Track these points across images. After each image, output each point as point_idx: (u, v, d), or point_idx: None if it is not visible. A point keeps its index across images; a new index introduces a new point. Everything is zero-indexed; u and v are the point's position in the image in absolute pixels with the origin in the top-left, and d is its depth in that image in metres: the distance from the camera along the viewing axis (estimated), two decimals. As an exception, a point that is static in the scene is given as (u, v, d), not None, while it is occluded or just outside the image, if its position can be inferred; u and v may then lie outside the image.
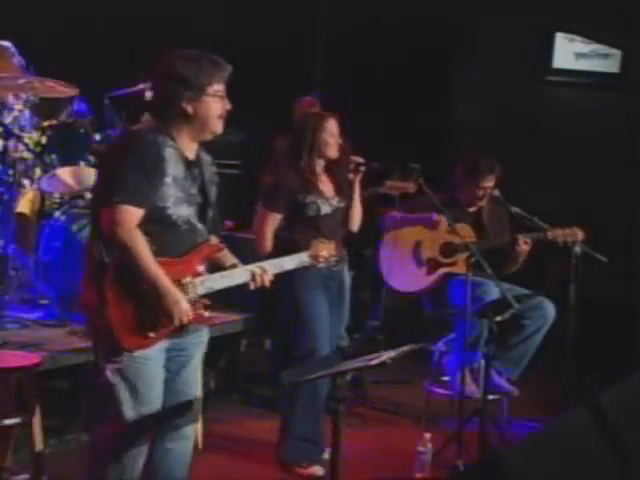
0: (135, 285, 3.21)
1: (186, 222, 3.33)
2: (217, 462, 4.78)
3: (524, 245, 5.17)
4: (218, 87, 3.35)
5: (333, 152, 4.66)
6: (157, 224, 3.25)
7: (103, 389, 3.30)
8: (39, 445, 3.92)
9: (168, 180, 3.26)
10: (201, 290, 3.35)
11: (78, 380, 4.73)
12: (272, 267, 3.50)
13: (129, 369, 3.27)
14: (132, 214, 3.18)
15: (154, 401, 3.35)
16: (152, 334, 3.27)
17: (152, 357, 3.31)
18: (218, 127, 3.39)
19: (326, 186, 4.70)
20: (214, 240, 3.50)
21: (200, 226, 3.38)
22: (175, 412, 3.46)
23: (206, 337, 3.59)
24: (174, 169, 3.28)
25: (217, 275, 3.39)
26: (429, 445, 4.58)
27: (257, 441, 5.05)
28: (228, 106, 3.39)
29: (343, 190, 4.73)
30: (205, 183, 3.41)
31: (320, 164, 4.67)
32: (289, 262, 3.62)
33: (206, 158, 3.48)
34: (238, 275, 3.43)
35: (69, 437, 4.58)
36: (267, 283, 3.47)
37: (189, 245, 3.34)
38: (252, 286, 3.46)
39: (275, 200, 4.65)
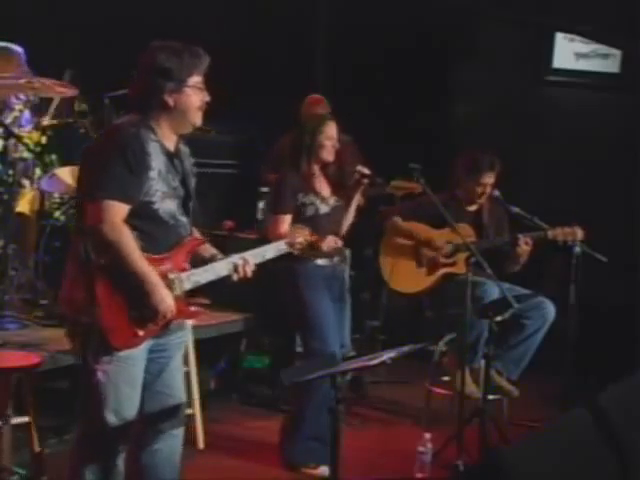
0: (124, 283, 3.19)
1: (172, 216, 3.31)
2: (217, 462, 4.78)
3: (525, 245, 5.17)
4: (198, 78, 3.35)
5: (330, 155, 4.70)
6: (144, 220, 3.23)
7: (90, 390, 3.28)
8: (39, 445, 3.92)
9: (153, 174, 3.24)
10: (187, 285, 3.34)
11: (78, 380, 4.73)
12: (254, 257, 3.49)
13: (115, 370, 3.25)
14: (118, 209, 3.15)
15: (135, 402, 3.33)
16: (141, 332, 3.25)
17: (136, 357, 3.29)
18: (198, 119, 3.39)
19: (323, 186, 4.75)
20: (195, 233, 3.50)
21: (184, 219, 3.37)
22: (158, 414, 3.43)
23: (187, 337, 3.57)
24: (158, 163, 3.26)
25: (201, 269, 3.37)
26: (429, 445, 4.58)
27: (257, 441, 5.06)
28: (207, 98, 3.38)
29: (339, 191, 4.77)
30: (186, 175, 3.39)
31: (317, 165, 4.70)
32: (269, 251, 3.61)
33: (185, 149, 3.47)
34: (221, 268, 3.41)
35: (69, 437, 4.57)
36: (249, 274, 3.44)
37: (175, 240, 3.33)
38: (235, 277, 3.44)
39: (282, 202, 4.68)
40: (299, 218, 4.63)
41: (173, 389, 3.49)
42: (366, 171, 4.75)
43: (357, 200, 4.84)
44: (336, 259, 4.75)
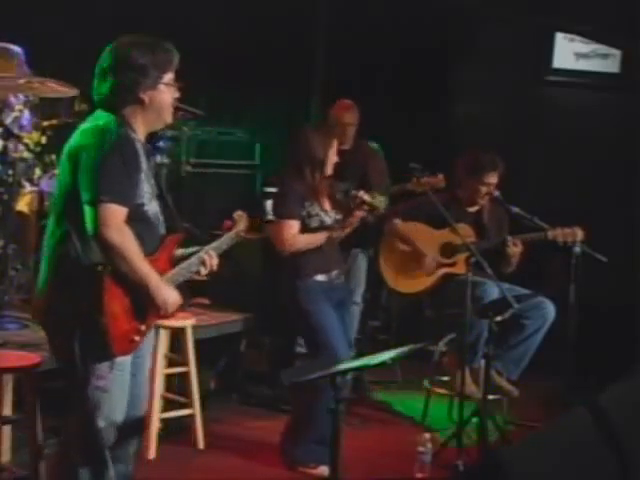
0: (128, 288, 3.17)
1: (156, 217, 3.31)
2: (217, 462, 4.78)
3: (514, 247, 5.17)
4: (171, 75, 3.32)
5: (332, 169, 4.72)
6: (136, 222, 3.19)
7: (84, 398, 3.24)
8: (39, 445, 3.92)
9: (142, 175, 3.22)
10: (171, 285, 3.34)
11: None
12: (215, 250, 3.50)
13: (110, 378, 3.21)
14: (120, 213, 3.12)
15: (124, 406, 3.30)
16: (137, 337, 3.25)
17: (127, 363, 3.27)
18: (170, 116, 3.37)
19: (325, 199, 4.77)
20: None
21: (162, 218, 3.36)
22: (136, 416, 3.43)
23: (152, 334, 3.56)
24: (143, 163, 3.24)
25: (178, 268, 3.38)
26: (429, 445, 4.58)
27: (257, 441, 5.06)
28: (177, 94, 3.35)
29: (339, 205, 4.80)
30: (154, 173, 3.39)
31: (320, 178, 4.72)
32: (224, 243, 3.61)
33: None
34: (193, 264, 3.42)
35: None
36: (215, 267, 3.45)
37: (159, 240, 3.32)
38: (203, 271, 3.44)
39: (288, 208, 4.68)
40: (304, 229, 4.67)
41: (143, 389, 3.48)
42: (366, 197, 4.76)
43: (354, 223, 4.82)
44: (334, 273, 4.75)
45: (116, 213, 3.11)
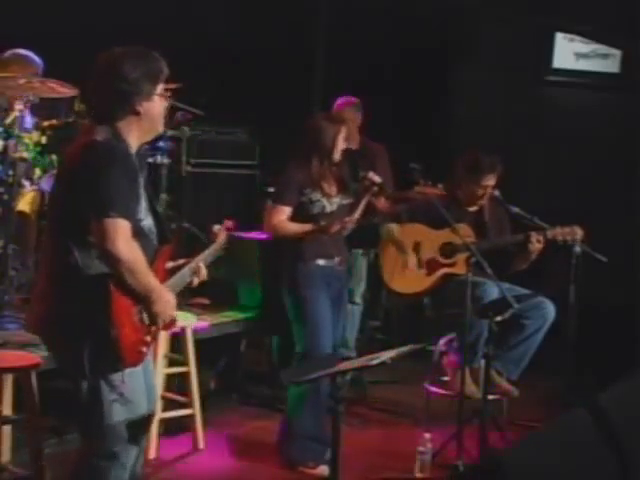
0: (132, 300, 3.17)
1: (151, 230, 3.30)
2: (217, 462, 4.78)
3: (537, 243, 5.16)
4: (162, 85, 3.32)
5: (339, 156, 4.76)
6: (135, 236, 3.16)
7: (97, 407, 3.19)
8: (39, 445, 3.92)
9: (141, 191, 3.24)
10: None
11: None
12: (203, 261, 3.53)
13: (125, 387, 3.19)
14: (127, 227, 3.11)
15: (143, 408, 3.29)
16: (144, 349, 3.25)
17: (138, 371, 3.25)
18: (162, 126, 3.37)
19: (331, 185, 4.78)
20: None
21: (155, 231, 3.35)
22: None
23: None
24: (141, 178, 3.26)
25: (173, 280, 3.39)
26: (429, 445, 4.58)
27: (257, 441, 5.06)
28: (167, 103, 3.36)
29: (346, 188, 4.81)
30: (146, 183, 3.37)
31: (328, 165, 4.75)
32: (209, 255, 3.62)
33: None
34: (186, 274, 3.45)
35: (69, 437, 4.57)
36: (205, 276, 3.49)
37: (153, 253, 3.30)
38: (195, 282, 3.47)
39: (283, 195, 4.74)
40: (305, 215, 4.70)
41: (152, 390, 3.44)
42: (376, 179, 4.78)
43: (364, 205, 4.84)
44: (337, 259, 4.78)
45: (124, 227, 3.09)
